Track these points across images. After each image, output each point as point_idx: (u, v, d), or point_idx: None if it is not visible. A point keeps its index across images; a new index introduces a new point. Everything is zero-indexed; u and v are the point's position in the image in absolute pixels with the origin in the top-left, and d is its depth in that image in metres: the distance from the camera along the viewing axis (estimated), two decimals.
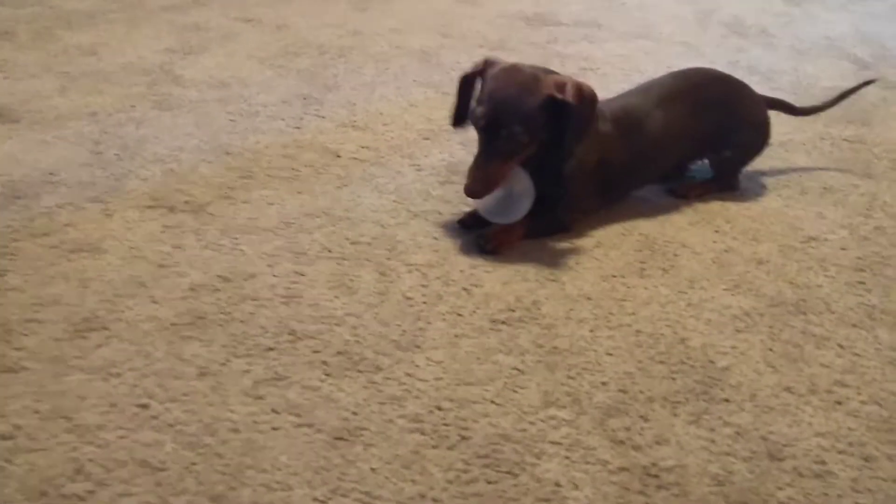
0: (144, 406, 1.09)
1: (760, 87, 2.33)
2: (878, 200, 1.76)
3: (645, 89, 1.69)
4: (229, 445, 1.04)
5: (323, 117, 2.00)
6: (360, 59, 2.35)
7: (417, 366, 1.20)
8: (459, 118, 1.53)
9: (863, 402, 1.17)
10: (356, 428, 1.08)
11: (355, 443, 1.06)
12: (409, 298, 1.35)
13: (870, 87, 2.40)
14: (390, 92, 2.16)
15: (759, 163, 1.87)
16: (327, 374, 1.17)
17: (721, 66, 2.52)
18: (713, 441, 1.10)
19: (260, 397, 1.12)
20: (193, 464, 1.01)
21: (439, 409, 1.12)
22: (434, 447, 1.06)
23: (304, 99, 2.09)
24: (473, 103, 1.45)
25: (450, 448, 1.06)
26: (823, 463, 1.07)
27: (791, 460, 1.07)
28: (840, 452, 1.09)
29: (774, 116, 2.15)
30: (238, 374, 1.16)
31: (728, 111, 1.71)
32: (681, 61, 2.49)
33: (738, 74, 2.44)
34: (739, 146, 1.74)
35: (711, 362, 1.24)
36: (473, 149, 1.87)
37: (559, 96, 1.38)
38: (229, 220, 1.53)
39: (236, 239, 1.47)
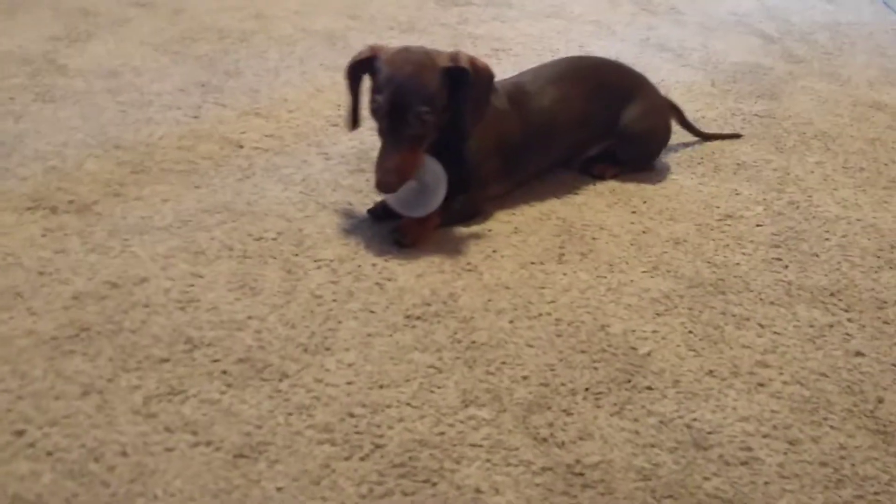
0: (20, 433, 0.98)
1: (671, 65, 2.33)
2: (791, 175, 1.76)
3: (538, 69, 1.66)
4: (117, 472, 0.94)
5: (223, 105, 1.88)
6: (263, 44, 2.23)
7: (327, 370, 1.12)
8: (355, 117, 1.45)
9: (785, 383, 1.16)
10: (260, 443, 1.00)
11: (258, 460, 0.97)
12: (317, 297, 1.26)
13: (777, 62, 2.41)
14: (296, 77, 2.05)
15: (672, 140, 1.85)
16: (228, 385, 1.08)
17: (632, 44, 2.51)
18: (637, 433, 1.06)
19: (152, 415, 1.02)
20: (76, 495, 0.91)
21: (351, 415, 1.05)
22: (346, 459, 0.99)
23: (203, 86, 1.97)
24: (368, 96, 1.38)
25: (363, 458, 0.99)
26: (749, 449, 1.04)
27: (717, 448, 1.04)
28: (765, 437, 1.06)
29: (687, 91, 2.15)
30: (127, 390, 1.05)
31: (623, 96, 1.68)
32: (592, 40, 2.46)
33: (649, 52, 2.44)
34: (640, 135, 1.71)
35: (633, 349, 1.21)
36: None
37: (455, 65, 1.35)
38: (118, 220, 1.41)
39: (126, 240, 1.36)
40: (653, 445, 1.04)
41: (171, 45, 2.20)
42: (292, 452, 0.99)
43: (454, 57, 1.36)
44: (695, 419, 1.09)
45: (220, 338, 1.16)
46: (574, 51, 1.76)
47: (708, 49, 2.48)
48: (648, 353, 1.20)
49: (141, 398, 1.04)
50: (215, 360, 1.12)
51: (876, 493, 0.98)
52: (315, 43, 2.26)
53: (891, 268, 1.43)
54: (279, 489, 0.94)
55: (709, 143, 1.88)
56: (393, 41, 2.36)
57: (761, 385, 1.15)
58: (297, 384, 1.09)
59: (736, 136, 1.92)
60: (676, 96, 2.09)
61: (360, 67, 1.40)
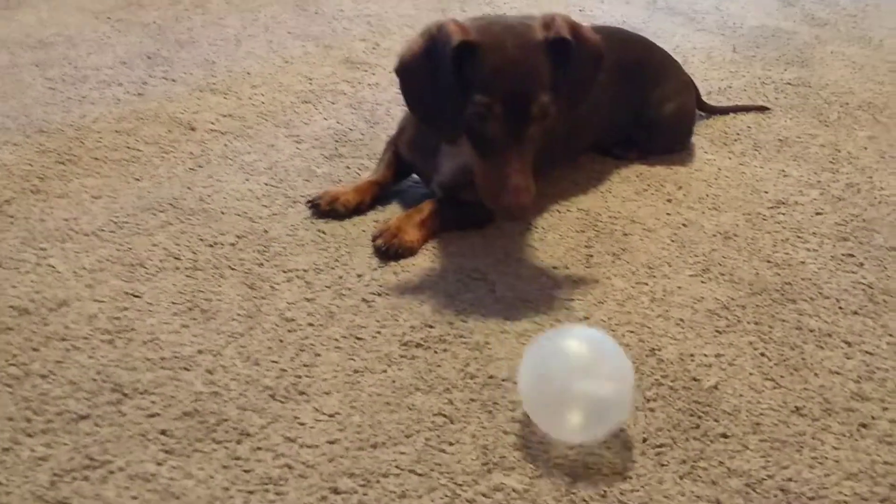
0: None
1: (685, 29, 2.06)
2: (842, 152, 1.50)
3: None
4: None
5: (173, 80, 1.59)
6: (222, 9, 1.93)
7: (302, 424, 0.85)
8: (456, 122, 1.02)
9: (893, 421, 0.90)
10: None
11: None
12: (288, 321, 0.99)
13: (800, 26, 2.16)
14: (259, 47, 1.76)
15: (701, 114, 1.59)
16: (167, 452, 0.80)
17: (638, 7, 2.24)
18: (718, 501, 0.80)
19: (62, 501, 0.74)
20: None
21: (336, 492, 0.78)
22: None
23: (150, 59, 1.67)
24: (447, 96, 1.01)
25: None
26: None
27: None
28: (883, 501, 0.81)
29: (707, 59, 1.88)
30: (30, 463, 0.77)
31: (650, 73, 1.40)
32: (593, 3, 2.19)
33: (659, 16, 2.17)
34: (672, 118, 1.44)
35: (695, 380, 0.94)
36: (365, 112, 1.51)
37: (555, 35, 1.02)
38: (35, 224, 1.12)
39: (44, 250, 1.07)
40: None
41: (113, 11, 1.90)
42: None
43: (549, 23, 1.03)
44: (789, 479, 0.83)
45: (160, 382, 0.88)
46: (573, 16, 1.47)
47: (722, 11, 2.21)
48: (716, 386, 0.94)
49: (47, 475, 0.76)
50: (152, 416, 0.84)
51: None
52: (281, 8, 1.96)
53: None
54: None
55: (742, 117, 1.62)
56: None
57: (864, 426, 0.90)
58: (262, 447, 0.81)
59: (762, 108, 1.65)
60: (696, 64, 1.83)
61: (457, 56, 0.99)
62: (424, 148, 1.17)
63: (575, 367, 0.81)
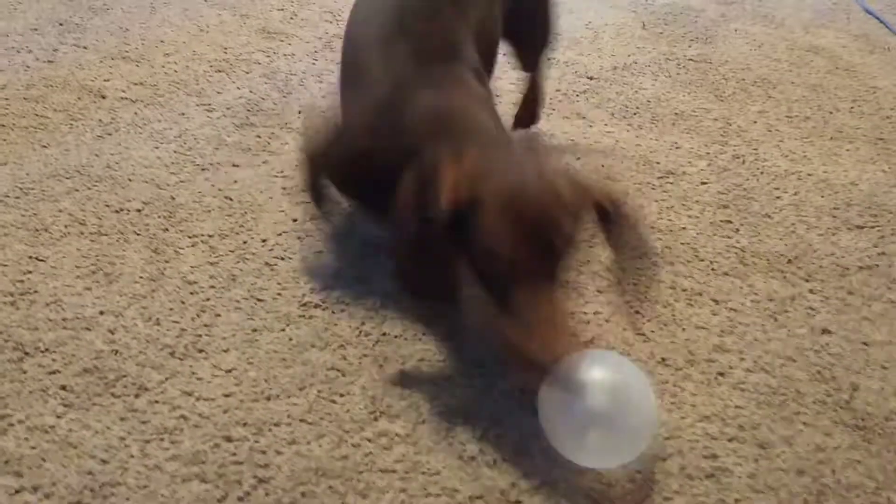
0: None
1: (598, 5, 2.13)
2: (733, 125, 1.60)
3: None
4: None
5: (84, 48, 1.58)
6: None
7: (200, 379, 0.89)
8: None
9: (748, 370, 0.99)
10: (105, 485, 0.77)
11: None
12: (191, 283, 1.03)
13: (708, 4, 2.25)
14: (174, 15, 1.76)
15: (605, 88, 1.67)
16: (67, 406, 0.84)
17: None
18: None
19: None
20: None
21: (228, 440, 0.83)
22: (219, 500, 0.77)
23: (62, 25, 1.66)
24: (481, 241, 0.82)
25: (241, 499, 0.77)
26: (714, 457, 0.87)
27: (677, 458, 0.87)
28: (731, 440, 0.90)
29: (617, 35, 1.96)
30: None
31: None
32: None
33: None
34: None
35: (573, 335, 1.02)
36: (279, 82, 1.53)
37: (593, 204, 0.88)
38: None
39: None
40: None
41: None
42: (148, 495, 0.76)
43: (584, 193, 0.86)
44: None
45: (61, 341, 0.91)
46: None
47: None
48: (591, 340, 1.01)
49: None
50: (52, 373, 0.87)
51: None
52: None
53: (849, 229, 1.29)
54: None
55: (643, 91, 1.70)
56: None
57: (721, 375, 0.99)
58: (159, 400, 0.86)
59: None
60: (606, 40, 1.90)
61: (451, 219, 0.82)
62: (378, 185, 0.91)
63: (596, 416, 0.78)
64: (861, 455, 0.89)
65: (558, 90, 1.66)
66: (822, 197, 1.38)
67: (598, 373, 0.79)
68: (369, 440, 0.85)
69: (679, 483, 0.84)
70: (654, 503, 0.82)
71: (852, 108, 1.71)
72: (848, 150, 1.54)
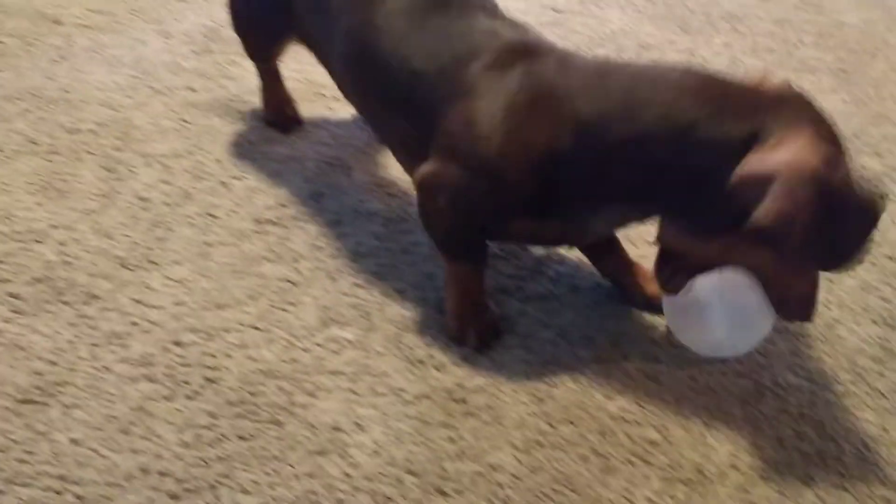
0: None
1: None
2: (696, 56, 1.60)
3: None
4: None
5: None
6: None
7: (150, 288, 0.90)
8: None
9: None
10: (53, 384, 0.78)
11: (50, 405, 0.76)
12: (144, 200, 1.02)
13: None
14: None
15: (571, 20, 1.66)
16: (16, 312, 0.84)
17: None
18: (530, 349, 0.89)
19: None
20: None
21: (178, 344, 0.84)
22: (167, 399, 0.78)
23: None
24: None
25: (189, 397, 0.78)
26: (657, 360, 0.89)
27: (622, 362, 0.89)
28: (674, 346, 0.91)
29: None
30: None
31: None
32: None
33: None
34: None
35: None
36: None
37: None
38: None
39: None
40: (549, 362, 0.88)
41: None
42: (96, 394, 0.77)
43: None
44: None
45: (11, 253, 0.91)
46: None
47: None
48: None
49: None
50: (2, 281, 0.88)
51: (800, 405, 0.86)
52: None
53: None
54: (74, 441, 0.73)
55: (610, 25, 1.69)
56: None
57: None
58: (109, 308, 0.86)
59: None
60: None
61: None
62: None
63: None
64: (801, 360, 0.91)
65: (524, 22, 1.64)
66: None
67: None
68: (319, 345, 0.86)
69: (621, 384, 0.86)
70: (593, 402, 0.84)
71: (817, 41, 1.71)
72: (810, 81, 1.54)
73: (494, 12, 0.90)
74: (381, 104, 0.93)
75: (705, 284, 0.84)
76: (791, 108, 0.75)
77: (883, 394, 0.88)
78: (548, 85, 0.81)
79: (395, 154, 0.98)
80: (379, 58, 0.90)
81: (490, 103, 0.81)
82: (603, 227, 0.87)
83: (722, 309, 0.84)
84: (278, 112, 1.20)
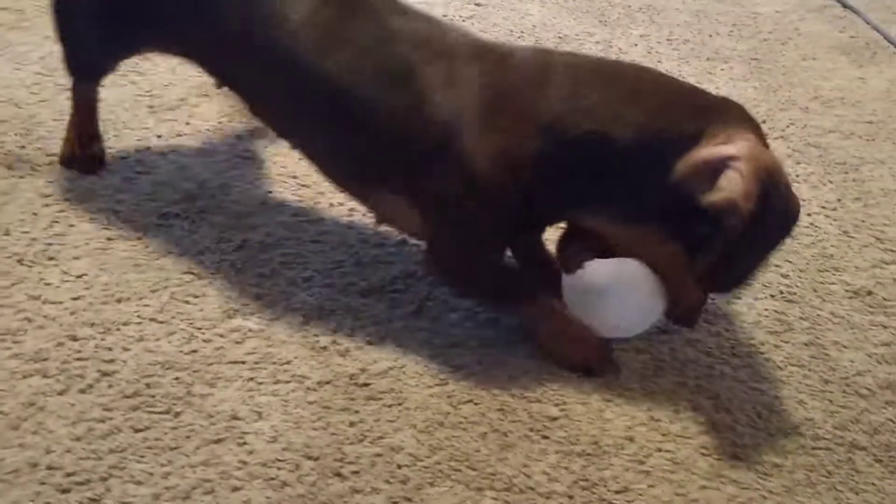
0: None
1: None
2: (613, 48, 1.63)
3: None
4: None
5: None
6: None
7: (48, 284, 0.88)
8: None
9: None
10: None
11: None
12: (45, 196, 1.01)
13: None
14: None
15: (492, 14, 1.68)
16: None
17: None
18: (436, 332, 0.90)
19: None
20: None
21: (74, 339, 0.82)
22: (60, 393, 0.77)
23: None
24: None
25: (83, 391, 0.77)
26: None
27: (523, 346, 0.90)
28: None
29: None
30: None
31: None
32: None
33: None
34: None
35: None
36: None
37: None
38: None
39: None
40: (455, 344, 0.88)
41: None
42: None
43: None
44: None
45: None
46: None
47: None
48: None
49: None
50: None
51: (697, 378, 0.88)
52: None
53: None
54: None
55: (529, 17, 1.71)
56: None
57: None
58: (4, 304, 0.85)
59: None
60: None
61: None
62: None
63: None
64: (700, 335, 0.94)
65: (445, 15, 1.66)
66: None
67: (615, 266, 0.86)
68: (221, 336, 0.85)
69: (525, 364, 0.87)
70: (496, 382, 0.85)
71: (731, 31, 1.76)
72: (723, 70, 1.59)
73: (404, 10, 0.89)
74: (305, 122, 0.91)
75: (604, 268, 0.86)
76: (734, 113, 0.82)
77: (778, 365, 0.91)
78: (504, 89, 0.83)
79: (322, 170, 0.94)
80: (299, 76, 0.86)
81: (455, 119, 0.82)
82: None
83: (617, 293, 0.86)
84: (85, 149, 1.04)
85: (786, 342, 0.94)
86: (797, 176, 1.25)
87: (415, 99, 0.83)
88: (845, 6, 1.90)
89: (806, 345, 0.94)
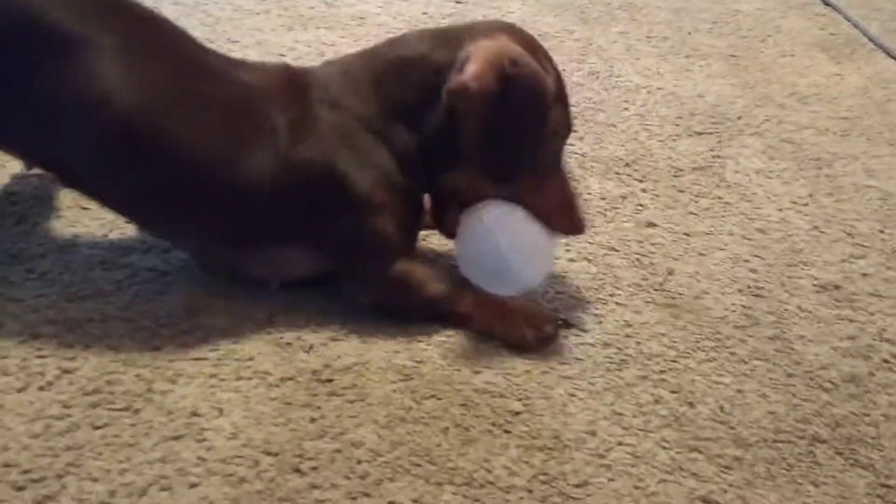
0: None
1: None
2: (593, 45, 1.63)
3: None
4: None
5: None
6: None
7: (11, 283, 0.88)
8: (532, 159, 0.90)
9: (571, 260, 1.03)
10: None
11: None
12: (12, 194, 1.00)
13: None
14: None
15: (472, 11, 1.68)
16: None
17: None
18: (402, 327, 0.90)
19: None
20: None
21: (35, 337, 0.82)
22: (19, 391, 0.77)
23: None
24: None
25: (42, 389, 0.77)
26: (522, 336, 0.91)
27: (490, 340, 0.90)
28: None
29: None
30: None
31: None
32: None
33: None
34: None
35: None
36: None
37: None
38: None
39: None
40: (419, 339, 0.89)
41: None
42: None
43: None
44: None
45: None
46: None
47: None
48: None
49: None
50: None
51: (661, 371, 0.88)
52: None
53: (689, 135, 1.34)
54: None
55: (509, 14, 1.71)
56: None
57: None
58: None
59: None
60: None
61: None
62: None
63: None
64: (667, 329, 0.94)
65: (425, 13, 1.66)
66: (669, 108, 1.42)
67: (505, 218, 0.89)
68: (185, 332, 0.85)
69: (487, 359, 0.87)
70: (459, 377, 0.85)
71: (711, 28, 1.76)
72: (701, 66, 1.59)
73: (227, 59, 0.90)
74: (162, 201, 0.86)
75: (489, 221, 0.88)
76: (493, 29, 0.88)
77: (742, 359, 0.91)
78: (341, 107, 0.87)
79: (189, 247, 0.92)
80: (151, 153, 0.82)
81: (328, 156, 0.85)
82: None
83: (508, 239, 0.89)
84: None
85: (751, 336, 0.94)
86: (770, 172, 1.26)
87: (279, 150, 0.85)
88: (826, 3, 1.90)
89: (771, 339, 0.94)
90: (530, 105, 0.84)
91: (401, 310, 0.90)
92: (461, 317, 0.89)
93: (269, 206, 0.85)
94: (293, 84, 0.88)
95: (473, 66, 0.81)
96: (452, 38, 0.87)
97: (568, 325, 0.91)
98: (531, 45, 0.89)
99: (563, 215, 0.91)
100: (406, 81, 0.87)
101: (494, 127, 0.82)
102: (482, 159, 0.85)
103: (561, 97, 0.90)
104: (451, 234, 0.93)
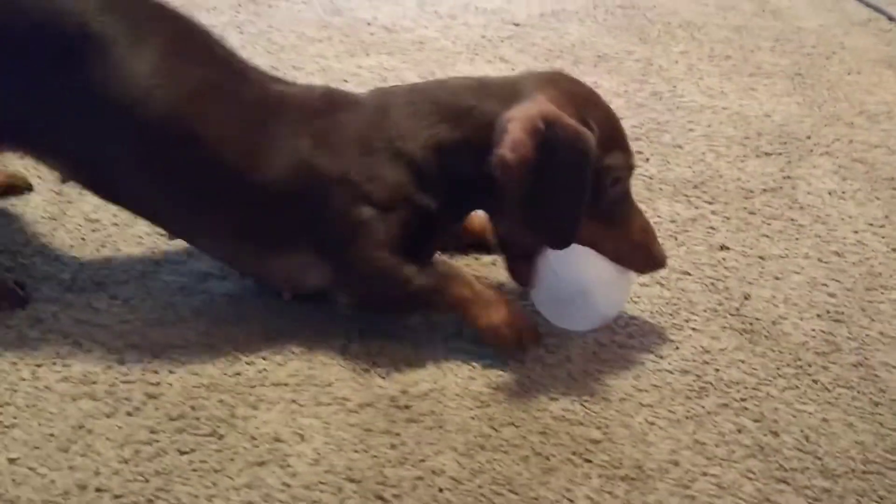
0: None
1: None
2: (654, 65, 1.62)
3: None
4: None
5: None
6: None
7: (96, 309, 0.90)
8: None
9: (644, 285, 1.02)
10: None
11: None
12: (93, 221, 1.03)
13: None
14: None
15: (530, 34, 1.69)
16: None
17: None
18: (475, 353, 0.90)
19: None
20: None
21: (121, 362, 0.84)
22: (108, 416, 0.78)
23: None
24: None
25: (130, 414, 0.79)
26: (602, 361, 0.90)
27: (566, 365, 0.89)
28: (621, 347, 0.92)
29: None
30: None
31: None
32: None
33: None
34: None
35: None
36: None
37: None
38: None
39: None
40: (494, 366, 0.88)
41: None
42: (36, 413, 0.78)
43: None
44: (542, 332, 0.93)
45: None
46: None
47: None
48: None
49: None
50: None
51: (742, 399, 0.86)
52: None
53: (757, 156, 1.32)
54: (12, 461, 0.73)
55: (568, 36, 1.71)
56: None
57: None
58: (53, 329, 0.87)
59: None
60: None
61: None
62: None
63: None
64: (745, 355, 0.92)
65: (483, 36, 1.67)
66: (735, 128, 1.40)
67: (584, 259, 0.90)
68: (264, 358, 0.87)
69: (565, 385, 0.87)
70: (540, 404, 0.84)
71: (774, 46, 1.74)
72: (765, 85, 1.57)
73: (267, 73, 0.93)
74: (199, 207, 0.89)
75: (559, 267, 0.89)
76: (533, 83, 0.87)
77: (825, 386, 0.89)
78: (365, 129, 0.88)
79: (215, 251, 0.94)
80: (190, 157, 0.85)
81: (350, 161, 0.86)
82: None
83: (582, 283, 0.90)
84: None
85: (833, 363, 0.92)
86: (843, 193, 1.23)
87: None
88: (891, 19, 1.87)
89: (854, 365, 0.92)
90: (569, 165, 0.82)
91: (385, 305, 0.90)
92: (452, 302, 0.88)
93: (284, 209, 0.86)
94: (330, 101, 0.90)
95: (510, 135, 0.80)
96: (495, 93, 0.87)
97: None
98: (578, 97, 0.87)
99: (638, 254, 0.90)
100: (445, 124, 0.87)
101: (536, 190, 0.81)
102: (526, 219, 0.84)
103: (614, 140, 0.88)
104: (526, 283, 0.93)
